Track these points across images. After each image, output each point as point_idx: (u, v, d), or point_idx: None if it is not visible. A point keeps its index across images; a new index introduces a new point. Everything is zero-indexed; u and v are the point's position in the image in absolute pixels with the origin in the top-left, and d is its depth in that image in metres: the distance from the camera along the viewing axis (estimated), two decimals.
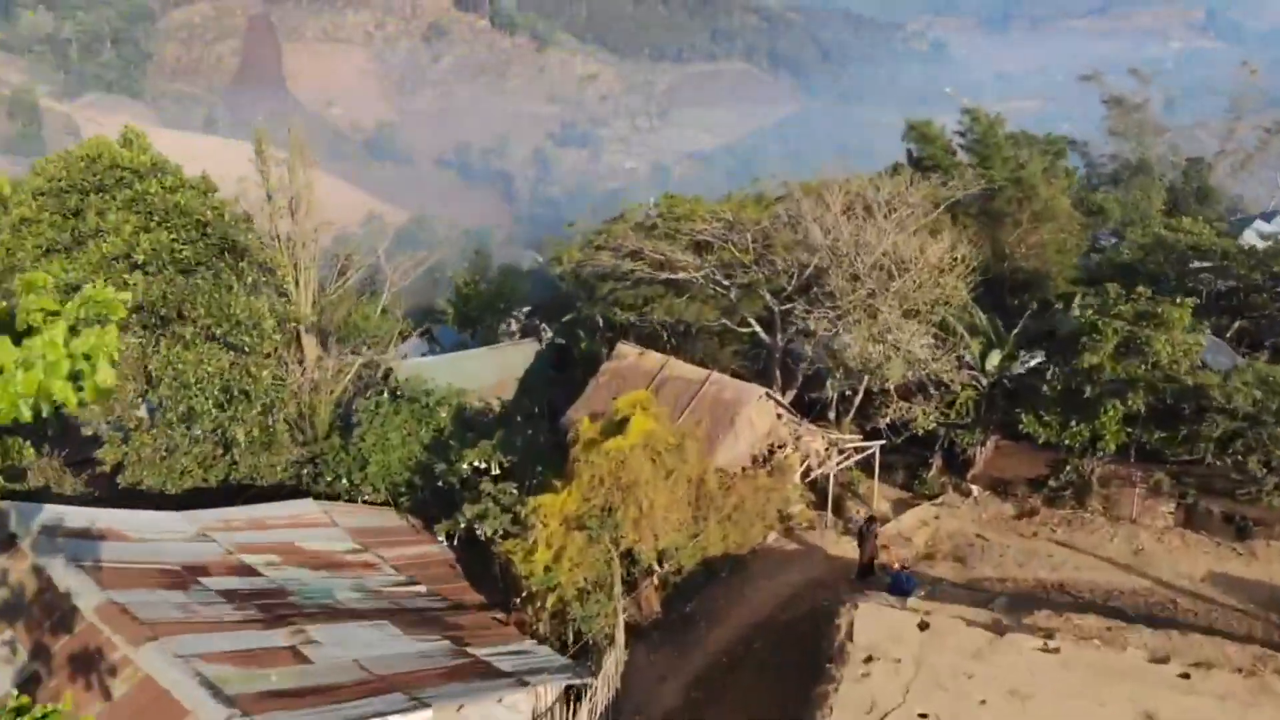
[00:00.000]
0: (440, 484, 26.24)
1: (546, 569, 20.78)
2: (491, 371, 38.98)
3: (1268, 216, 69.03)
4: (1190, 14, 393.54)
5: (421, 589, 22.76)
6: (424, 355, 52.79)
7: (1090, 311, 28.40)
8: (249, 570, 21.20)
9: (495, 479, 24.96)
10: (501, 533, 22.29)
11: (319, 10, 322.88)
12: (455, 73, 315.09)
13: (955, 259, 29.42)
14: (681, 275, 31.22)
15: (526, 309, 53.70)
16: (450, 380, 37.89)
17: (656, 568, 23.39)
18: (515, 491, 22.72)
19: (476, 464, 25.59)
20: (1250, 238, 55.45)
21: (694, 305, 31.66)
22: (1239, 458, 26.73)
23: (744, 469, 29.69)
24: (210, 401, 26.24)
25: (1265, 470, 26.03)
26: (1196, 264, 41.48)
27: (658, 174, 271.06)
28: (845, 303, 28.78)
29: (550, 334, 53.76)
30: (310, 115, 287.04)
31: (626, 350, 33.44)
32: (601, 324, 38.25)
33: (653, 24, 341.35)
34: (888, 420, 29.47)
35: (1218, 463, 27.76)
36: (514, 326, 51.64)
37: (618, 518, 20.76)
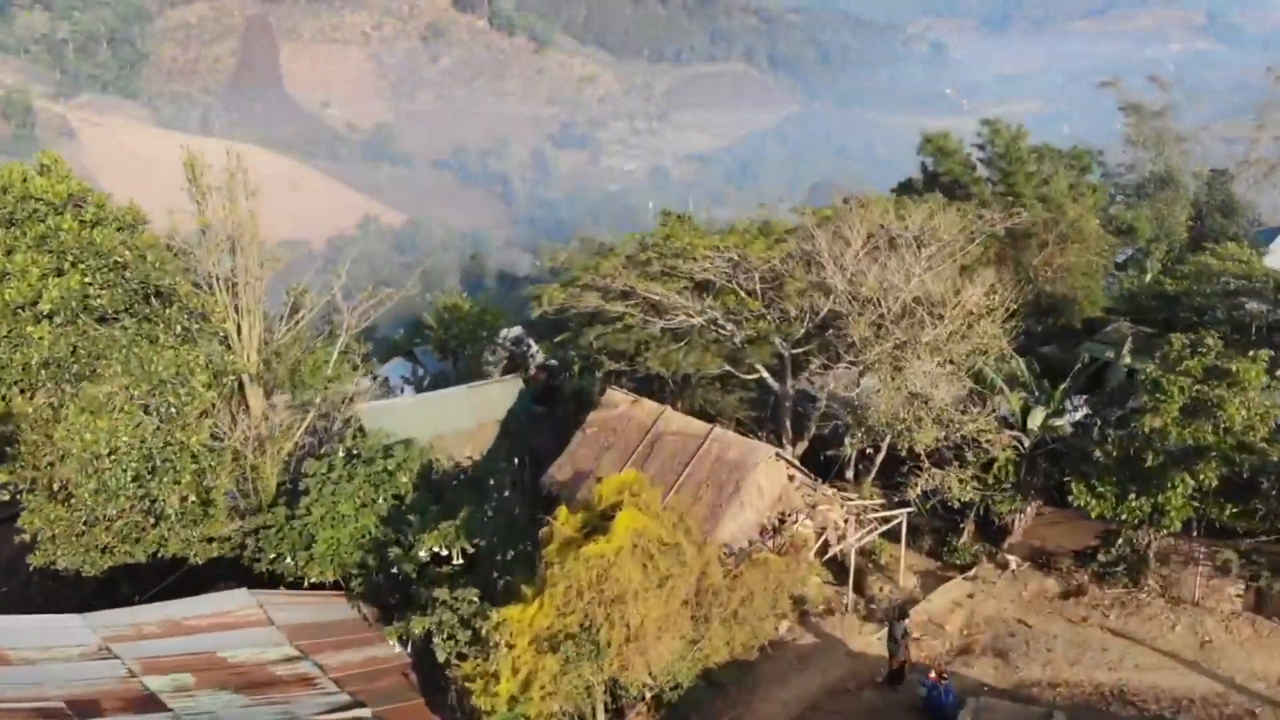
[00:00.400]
0: (394, 570, 22.51)
1: (513, 700, 16.98)
2: (469, 414, 35.07)
3: None
4: (1190, 16, 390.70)
5: (365, 714, 18.96)
6: (405, 378, 49.04)
7: (1152, 366, 24.56)
8: (151, 701, 17.43)
9: (456, 571, 21.23)
10: (458, 652, 18.47)
11: (317, 11, 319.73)
12: (453, 74, 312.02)
13: (994, 302, 25.60)
14: (680, 320, 27.42)
15: (514, 333, 49.80)
16: (425, 424, 34.16)
17: (648, 682, 19.59)
18: (476, 599, 18.90)
19: (437, 548, 21.87)
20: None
21: (694, 353, 27.83)
22: None
23: (751, 543, 25.95)
24: (128, 475, 22.43)
25: None
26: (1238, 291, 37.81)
27: (657, 176, 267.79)
28: (870, 356, 25.00)
29: (540, 358, 49.90)
30: (307, 116, 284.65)
31: (617, 398, 29.64)
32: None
33: (651, 25, 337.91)
34: (918, 490, 25.65)
35: None
36: (499, 355, 47.72)
37: (600, 638, 16.97)
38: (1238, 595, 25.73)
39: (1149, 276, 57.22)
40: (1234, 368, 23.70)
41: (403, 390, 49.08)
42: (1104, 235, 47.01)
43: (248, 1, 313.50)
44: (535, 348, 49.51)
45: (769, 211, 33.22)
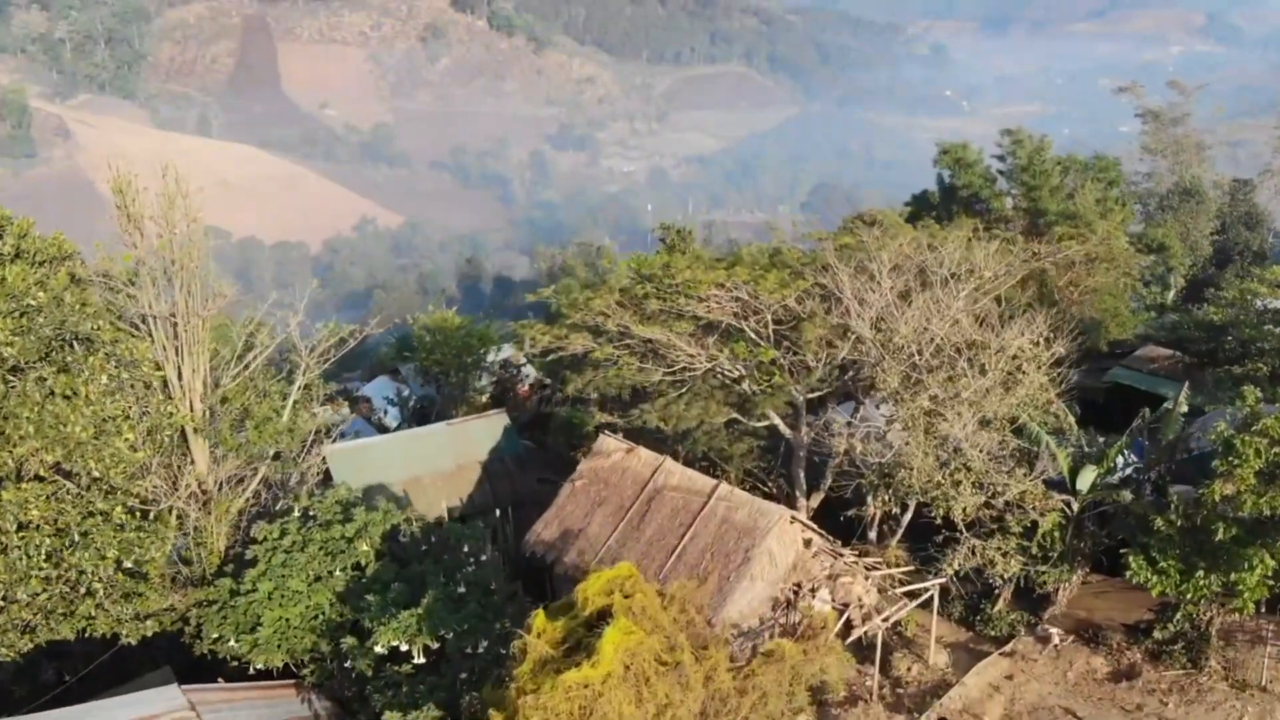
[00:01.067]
0: (349, 664, 19.41)
1: None
2: (449, 455, 31.97)
3: None
4: (1190, 17, 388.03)
5: None
6: (389, 399, 45.90)
7: (1223, 425, 21.42)
8: None
9: (417, 672, 18.13)
10: None
11: (314, 11, 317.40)
12: (452, 74, 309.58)
13: (1041, 346, 22.49)
14: (682, 366, 24.26)
15: (503, 355, 46.44)
16: (399, 466, 31.05)
17: None
18: None
19: (396, 642, 18.75)
20: None
21: (697, 404, 24.65)
22: None
23: (762, 621, 22.86)
24: (41, 553, 19.32)
25: None
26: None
27: (656, 177, 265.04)
28: (902, 413, 21.89)
29: (533, 375, 46.66)
30: (305, 116, 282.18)
31: (611, 445, 26.48)
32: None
33: (651, 26, 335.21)
34: (955, 566, 22.54)
35: None
36: (485, 381, 44.54)
37: None
38: None
39: (1172, 293, 54.34)
40: None
41: (386, 412, 46.07)
42: (1133, 254, 43.93)
43: (245, 1, 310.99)
44: (527, 364, 46.36)
45: (779, 234, 30.02)
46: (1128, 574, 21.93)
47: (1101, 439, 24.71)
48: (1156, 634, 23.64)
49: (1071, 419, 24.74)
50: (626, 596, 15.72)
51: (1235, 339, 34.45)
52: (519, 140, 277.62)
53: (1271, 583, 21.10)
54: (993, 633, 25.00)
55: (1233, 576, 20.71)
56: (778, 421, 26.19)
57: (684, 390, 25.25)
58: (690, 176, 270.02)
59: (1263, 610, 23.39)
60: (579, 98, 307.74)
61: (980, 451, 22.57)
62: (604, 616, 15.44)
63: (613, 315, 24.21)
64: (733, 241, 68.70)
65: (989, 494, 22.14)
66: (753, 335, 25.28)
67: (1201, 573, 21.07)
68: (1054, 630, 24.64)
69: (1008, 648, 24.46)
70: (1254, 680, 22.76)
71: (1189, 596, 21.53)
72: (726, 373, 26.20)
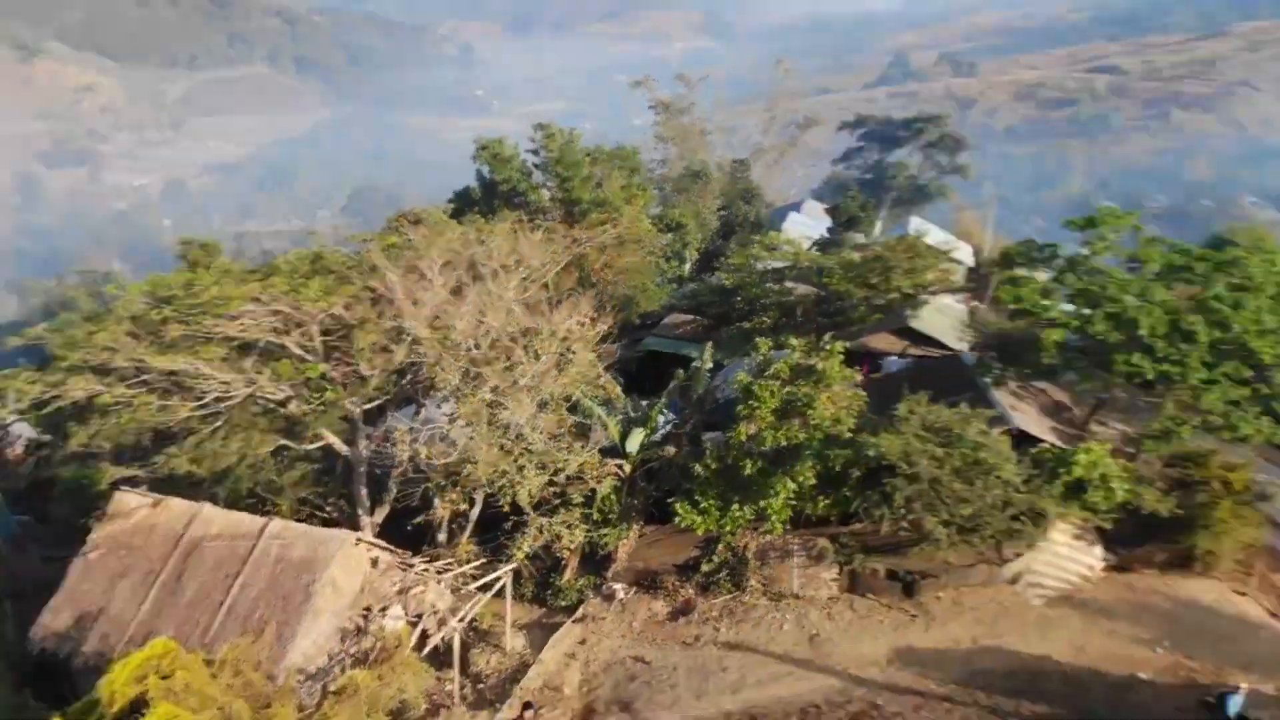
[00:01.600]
0: None
1: None
2: None
3: (796, 207, 73.98)
4: (691, 16, 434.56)
5: None
6: None
7: (743, 374, 23.82)
8: None
9: None
10: None
11: None
12: None
13: (587, 325, 23.24)
14: (214, 396, 21.27)
15: None
16: None
17: None
18: None
19: None
20: (791, 228, 58.09)
21: (236, 438, 21.83)
22: (916, 517, 23.62)
23: (331, 658, 21.02)
24: None
25: (944, 527, 23.18)
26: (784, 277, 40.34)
27: (173, 190, 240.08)
28: (464, 409, 21.27)
29: (29, 433, 38.59)
30: None
31: (131, 503, 22.63)
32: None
33: (161, 28, 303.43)
34: (526, 549, 22.55)
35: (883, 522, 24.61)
36: None
37: None
38: (833, 580, 26.18)
39: (688, 266, 60.78)
40: (818, 364, 23.66)
41: None
42: (655, 234, 48.09)
43: None
44: (17, 422, 38.10)
45: (319, 239, 27.91)
46: (676, 519, 23.63)
47: (644, 403, 26.38)
48: (704, 568, 25.79)
49: (618, 389, 26.14)
50: (165, 677, 13.29)
51: (744, 299, 39.05)
52: (2, 161, 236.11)
53: (794, 503, 24.04)
54: (564, 603, 25.71)
55: (762, 503, 23.23)
56: (333, 440, 24.32)
57: (219, 424, 22.33)
58: (214, 187, 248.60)
59: (789, 528, 26.64)
60: (76, 108, 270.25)
61: (541, 433, 22.84)
62: (139, 708, 12.85)
63: (122, 349, 20.47)
64: (268, 252, 63.85)
65: (552, 472, 22.50)
66: (298, 351, 23.18)
67: (736, 505, 23.41)
68: (618, 586, 25.88)
69: (579, 614, 25.25)
70: (787, 590, 25.65)
71: (728, 529, 23.77)
72: (269, 396, 23.73)
